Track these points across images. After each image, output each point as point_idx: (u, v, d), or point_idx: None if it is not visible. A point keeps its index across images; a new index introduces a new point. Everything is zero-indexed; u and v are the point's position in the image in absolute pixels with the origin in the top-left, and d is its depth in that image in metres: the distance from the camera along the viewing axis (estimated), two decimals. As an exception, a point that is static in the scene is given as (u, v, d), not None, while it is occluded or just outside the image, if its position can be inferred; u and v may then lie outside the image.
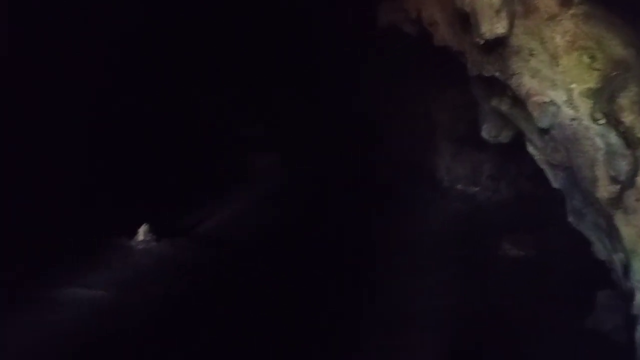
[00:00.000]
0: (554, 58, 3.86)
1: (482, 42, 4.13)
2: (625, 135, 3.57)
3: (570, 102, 3.80)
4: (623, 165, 3.57)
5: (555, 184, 4.38)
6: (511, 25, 4.01)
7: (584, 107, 3.74)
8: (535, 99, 4.00)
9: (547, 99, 3.93)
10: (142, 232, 5.33)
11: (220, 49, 7.36)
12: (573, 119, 3.80)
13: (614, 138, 3.62)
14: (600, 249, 4.11)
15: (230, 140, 7.59)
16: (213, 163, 7.12)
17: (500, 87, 4.53)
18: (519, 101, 4.30)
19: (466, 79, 5.07)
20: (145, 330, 4.17)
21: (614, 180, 3.63)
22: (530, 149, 4.52)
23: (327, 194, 6.83)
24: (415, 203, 6.74)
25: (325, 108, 7.64)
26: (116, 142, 6.31)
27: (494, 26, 4.02)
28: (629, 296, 3.72)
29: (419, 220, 6.26)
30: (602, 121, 3.67)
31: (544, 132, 4.12)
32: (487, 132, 5.22)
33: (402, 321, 4.44)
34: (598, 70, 3.69)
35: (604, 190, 3.68)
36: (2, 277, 4.40)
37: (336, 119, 7.55)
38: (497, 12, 3.99)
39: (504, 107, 4.70)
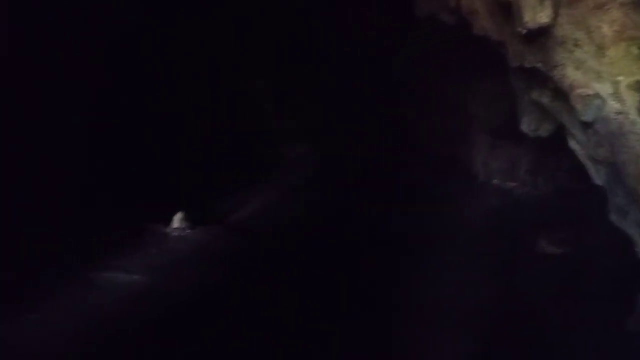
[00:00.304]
0: (600, 49, 3.72)
1: (524, 31, 4.01)
2: (675, 130, 3.43)
3: (616, 95, 3.66)
4: (671, 162, 3.43)
5: (597, 180, 4.23)
6: (555, 15, 3.88)
7: (631, 100, 3.60)
8: (579, 91, 3.87)
9: (591, 92, 3.79)
10: (176, 220, 5.42)
11: (252, 39, 7.38)
12: (619, 113, 3.66)
13: (662, 133, 3.48)
14: (643, 248, 3.96)
15: (263, 131, 7.63)
16: (246, 153, 7.17)
17: (541, 78, 4.40)
18: (561, 93, 4.16)
19: (505, 71, 4.94)
20: (178, 314, 4.25)
21: (661, 177, 3.49)
22: (572, 143, 4.38)
23: (359, 187, 6.80)
24: (450, 198, 6.64)
25: (358, 100, 7.58)
26: (153, 132, 6.41)
27: (537, 15, 3.89)
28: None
29: (454, 215, 6.16)
30: (650, 115, 3.53)
31: (587, 126, 3.98)
32: (526, 125, 5.08)
33: (434, 318, 4.39)
34: (647, 62, 3.55)
35: (650, 187, 3.55)
36: (49, 258, 4.54)
37: (370, 111, 7.48)
38: (541, 0, 3.87)
39: (545, 99, 4.56)
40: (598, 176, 4.21)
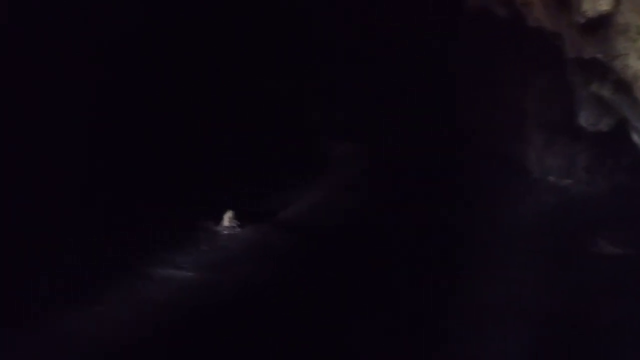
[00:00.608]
0: (667, 36, 3.55)
1: (582, 21, 3.87)
2: None
3: (684, 84, 3.48)
4: None
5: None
6: (617, 2, 3.73)
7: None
8: (643, 82, 3.71)
9: (657, 82, 3.63)
10: (227, 218, 5.50)
11: (297, 36, 7.40)
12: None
13: None
14: None
15: (311, 128, 7.64)
16: (295, 151, 7.21)
17: (601, 70, 4.23)
18: (623, 85, 3.99)
19: (561, 63, 4.78)
20: (229, 310, 4.33)
21: None
22: (635, 137, 4.20)
23: (409, 185, 6.71)
24: (503, 195, 6.46)
25: (408, 96, 7.49)
26: (203, 133, 6.55)
27: (597, 3, 3.76)
28: None
29: (507, 213, 5.98)
30: None
31: (652, 118, 3.81)
32: (585, 119, 4.91)
33: (487, 318, 4.26)
34: None
35: None
36: (110, 255, 4.74)
37: (420, 107, 7.38)
38: (601, -13, 3.73)
39: (606, 92, 4.39)
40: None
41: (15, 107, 5.22)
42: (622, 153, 5.71)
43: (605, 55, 3.96)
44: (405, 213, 5.99)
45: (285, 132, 7.32)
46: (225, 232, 5.46)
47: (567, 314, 4.30)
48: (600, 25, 3.83)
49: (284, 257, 5.15)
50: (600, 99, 4.48)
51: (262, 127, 7.12)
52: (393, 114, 7.52)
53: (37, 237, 4.63)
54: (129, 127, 6.00)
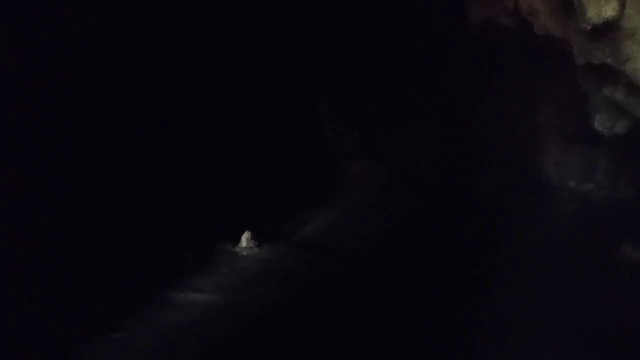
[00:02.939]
0: (675, 37, 3.49)
1: (588, 27, 3.84)
2: None
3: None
4: None
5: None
6: (622, 6, 3.69)
7: None
8: (654, 84, 3.64)
9: (668, 84, 3.56)
10: (244, 239, 5.52)
11: (314, 53, 7.46)
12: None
13: None
14: None
15: (326, 147, 7.68)
16: (312, 170, 7.23)
17: (612, 74, 4.18)
18: (636, 88, 3.93)
19: (572, 70, 4.74)
20: (253, 331, 4.32)
21: None
22: (652, 140, 4.12)
23: (426, 199, 6.66)
24: (524, 206, 6.36)
25: (421, 112, 7.48)
26: (218, 154, 6.63)
27: (602, 9, 3.73)
28: None
29: (529, 225, 5.86)
30: None
31: (667, 120, 3.73)
32: (600, 123, 4.84)
33: (516, 336, 4.16)
34: None
35: None
36: (126, 281, 4.75)
37: (435, 123, 7.36)
38: (606, -7, 3.70)
39: (619, 95, 4.33)
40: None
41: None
42: (641, 155, 5.59)
43: (614, 59, 3.92)
44: (424, 230, 5.94)
45: (303, 151, 7.36)
46: (244, 252, 5.46)
47: (599, 328, 4.15)
48: (608, 30, 3.80)
49: (303, 277, 5.12)
50: (614, 102, 4.41)
51: (278, 146, 7.19)
52: (408, 129, 7.50)
53: (58, 267, 4.72)
54: (146, 151, 6.06)
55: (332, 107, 7.85)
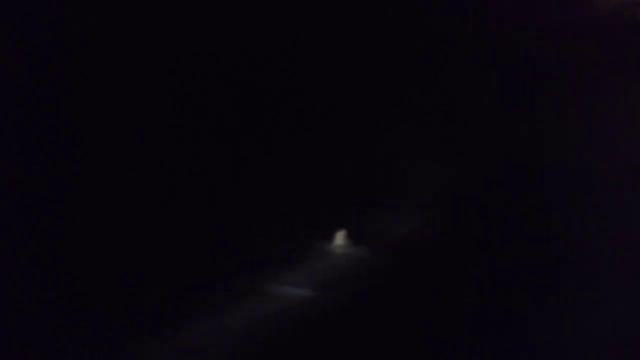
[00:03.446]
0: None
1: None
2: None
3: None
4: None
5: None
6: None
7: None
8: None
9: None
10: (339, 237, 5.61)
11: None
12: None
13: None
14: None
15: (412, 150, 7.56)
16: (404, 172, 7.17)
17: None
18: None
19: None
20: (346, 329, 4.45)
21: None
22: None
23: (502, 205, 6.37)
24: (601, 210, 5.93)
25: (490, 108, 7.17)
26: (316, 152, 6.70)
27: None
28: None
29: (609, 228, 5.50)
30: None
31: None
32: None
33: (594, 352, 4.07)
34: None
35: None
36: (225, 270, 5.04)
37: (502, 121, 7.01)
38: None
39: None
40: None
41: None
42: None
43: None
44: (500, 233, 5.68)
45: (393, 154, 7.29)
46: (338, 250, 5.57)
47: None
48: None
49: (394, 278, 5.16)
50: None
51: (373, 148, 7.12)
52: (485, 127, 7.19)
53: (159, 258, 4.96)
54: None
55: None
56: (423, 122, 7.79)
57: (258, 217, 5.66)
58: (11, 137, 5.15)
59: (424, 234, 5.99)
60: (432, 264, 5.34)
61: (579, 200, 6.02)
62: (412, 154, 7.56)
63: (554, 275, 4.89)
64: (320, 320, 4.57)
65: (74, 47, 5.61)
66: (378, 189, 6.62)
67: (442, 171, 7.47)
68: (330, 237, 5.62)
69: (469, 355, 4.08)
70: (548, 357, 4.12)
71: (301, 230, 5.65)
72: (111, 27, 5.87)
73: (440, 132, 7.72)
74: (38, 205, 4.92)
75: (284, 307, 4.68)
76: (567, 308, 4.52)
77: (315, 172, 6.52)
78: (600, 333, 4.25)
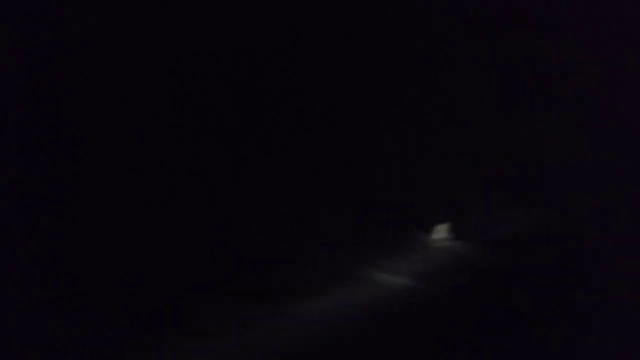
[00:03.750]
0: None
1: None
2: None
3: None
4: None
5: None
6: None
7: None
8: None
9: None
10: (441, 230, 5.74)
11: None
12: None
13: None
14: None
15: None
16: (508, 169, 7.05)
17: None
18: None
19: None
20: (440, 319, 4.75)
21: None
22: None
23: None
24: None
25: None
26: (425, 152, 6.64)
27: None
28: None
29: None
30: None
31: None
32: None
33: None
34: None
35: None
36: (322, 254, 5.27)
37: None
38: None
39: None
40: None
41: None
42: None
43: None
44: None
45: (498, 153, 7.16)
46: (438, 244, 5.68)
47: None
48: None
49: (493, 275, 5.30)
50: None
51: (475, 148, 6.98)
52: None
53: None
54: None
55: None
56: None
57: (366, 205, 5.80)
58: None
59: (527, 233, 6.00)
60: (533, 264, 5.42)
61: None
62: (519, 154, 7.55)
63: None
64: (416, 309, 4.84)
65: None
66: (485, 187, 6.51)
67: (543, 171, 7.43)
68: (433, 230, 5.78)
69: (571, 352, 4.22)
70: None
71: (406, 222, 5.77)
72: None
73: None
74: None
75: (383, 294, 4.96)
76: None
77: (427, 168, 6.46)
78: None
